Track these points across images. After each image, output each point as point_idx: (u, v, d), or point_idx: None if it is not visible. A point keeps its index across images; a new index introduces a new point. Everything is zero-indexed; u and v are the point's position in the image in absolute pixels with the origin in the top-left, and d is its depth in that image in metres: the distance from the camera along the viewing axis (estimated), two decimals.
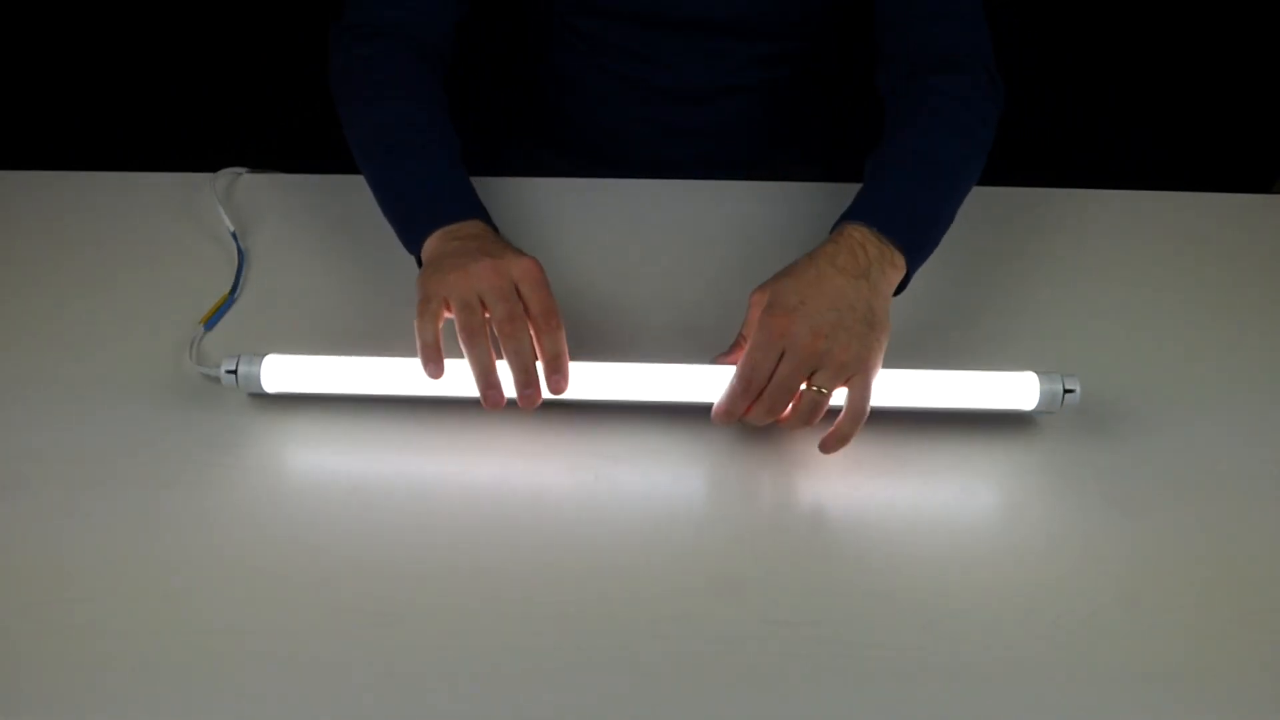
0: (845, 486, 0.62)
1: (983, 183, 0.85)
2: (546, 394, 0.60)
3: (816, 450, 0.61)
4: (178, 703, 0.50)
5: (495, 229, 0.66)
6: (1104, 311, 0.76)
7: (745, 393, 0.58)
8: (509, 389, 0.59)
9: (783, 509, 0.61)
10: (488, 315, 0.58)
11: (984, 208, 0.86)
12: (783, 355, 0.57)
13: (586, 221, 0.82)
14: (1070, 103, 1.73)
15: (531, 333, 0.59)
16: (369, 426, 0.65)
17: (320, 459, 0.63)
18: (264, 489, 0.61)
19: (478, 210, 0.66)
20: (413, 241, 0.66)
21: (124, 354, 0.69)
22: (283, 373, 0.63)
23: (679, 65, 0.88)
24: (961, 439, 0.66)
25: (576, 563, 0.57)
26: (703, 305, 0.74)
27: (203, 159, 0.87)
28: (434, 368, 0.59)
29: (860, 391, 0.58)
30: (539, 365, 0.59)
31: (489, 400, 0.59)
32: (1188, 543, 0.60)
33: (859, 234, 0.63)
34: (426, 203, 0.66)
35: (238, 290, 0.74)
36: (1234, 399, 0.70)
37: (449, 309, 0.58)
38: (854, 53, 0.94)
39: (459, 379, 0.60)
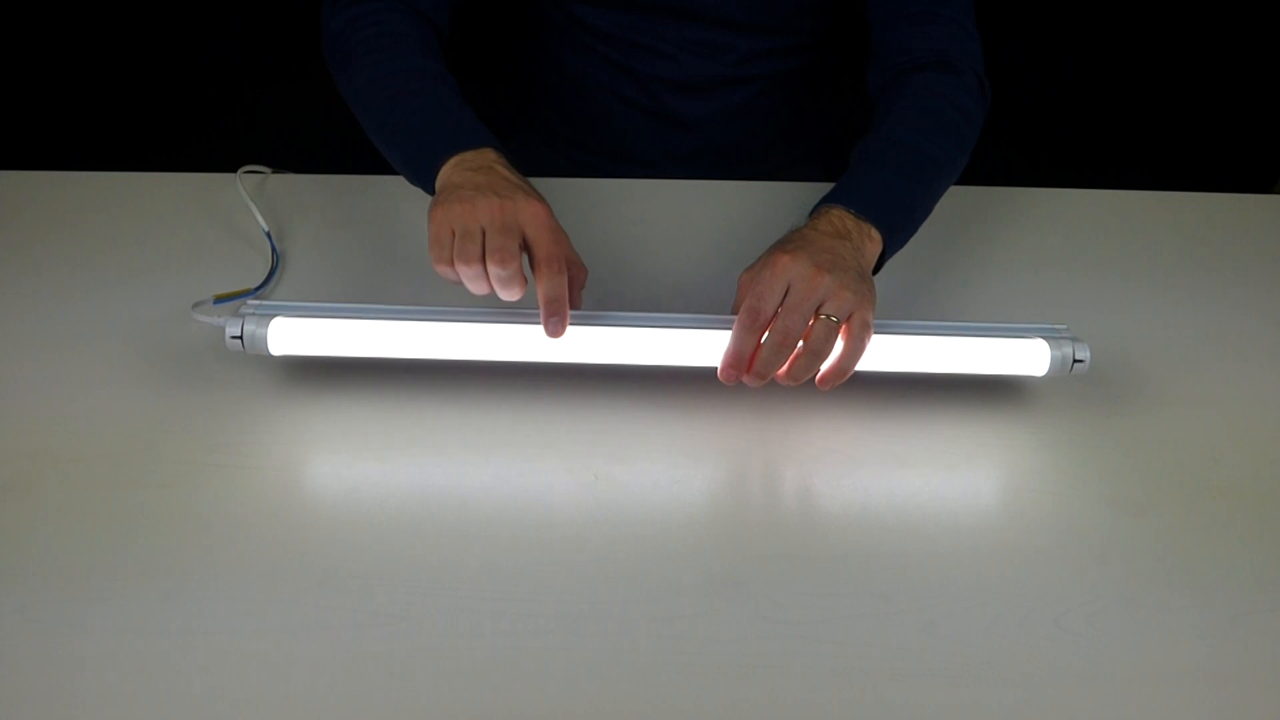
0: (847, 485, 0.62)
1: (981, 182, 0.85)
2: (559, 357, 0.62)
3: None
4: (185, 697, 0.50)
5: (507, 158, 0.66)
6: (1104, 312, 0.76)
7: (752, 327, 0.58)
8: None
9: (783, 508, 0.61)
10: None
11: (983, 207, 0.86)
12: (788, 289, 0.58)
13: (586, 221, 0.82)
14: (1070, 103, 1.73)
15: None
16: (363, 424, 0.65)
17: (315, 452, 0.63)
18: (258, 485, 0.61)
19: (489, 139, 0.66)
20: (425, 174, 0.66)
21: (134, 346, 0.69)
22: (288, 334, 0.63)
23: (679, 56, 0.88)
24: (963, 435, 0.66)
25: (576, 562, 0.57)
26: (702, 305, 0.74)
27: (202, 159, 0.87)
28: (478, 285, 0.60)
29: (860, 329, 0.58)
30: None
31: (476, 292, 0.60)
32: (1189, 541, 0.60)
33: (836, 212, 0.65)
34: (437, 135, 0.66)
35: (266, 286, 0.73)
36: (1235, 400, 0.70)
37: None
38: (853, 52, 0.94)
39: (475, 345, 0.62)
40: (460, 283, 0.60)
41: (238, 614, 0.53)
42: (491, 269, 0.58)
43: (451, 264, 0.59)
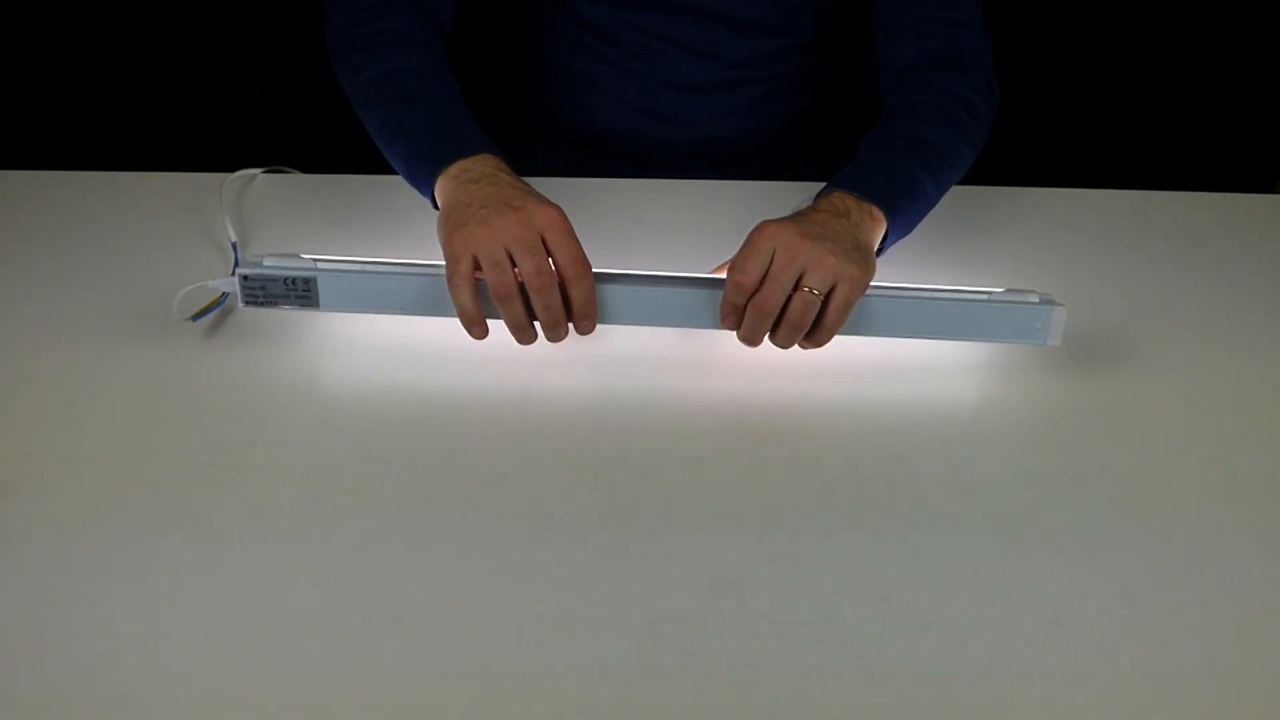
0: (846, 485, 0.62)
1: (981, 182, 0.85)
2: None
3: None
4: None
5: (507, 163, 0.65)
6: (1104, 312, 0.76)
7: (738, 289, 0.60)
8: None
9: (783, 508, 0.61)
10: (517, 270, 0.59)
11: (983, 207, 0.86)
12: (773, 255, 0.59)
13: (586, 221, 0.81)
14: (1070, 103, 1.73)
15: (560, 280, 0.60)
16: (362, 424, 0.65)
17: (315, 452, 0.63)
18: (258, 485, 0.61)
19: (487, 145, 0.66)
20: (424, 182, 0.66)
21: (135, 346, 0.69)
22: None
23: (679, 58, 0.88)
24: (961, 435, 0.66)
25: (576, 562, 0.57)
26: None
27: (202, 159, 0.87)
28: (479, 330, 0.61)
29: (844, 297, 0.60)
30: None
31: (523, 343, 0.63)
32: (1189, 541, 0.60)
33: (837, 194, 0.65)
34: (434, 140, 0.66)
35: (228, 298, 0.72)
36: (1238, 401, 0.70)
37: (478, 267, 0.59)
38: (854, 55, 0.94)
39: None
40: (480, 328, 0.61)
41: (237, 613, 0.53)
42: (538, 299, 0.59)
43: (473, 294, 0.59)
